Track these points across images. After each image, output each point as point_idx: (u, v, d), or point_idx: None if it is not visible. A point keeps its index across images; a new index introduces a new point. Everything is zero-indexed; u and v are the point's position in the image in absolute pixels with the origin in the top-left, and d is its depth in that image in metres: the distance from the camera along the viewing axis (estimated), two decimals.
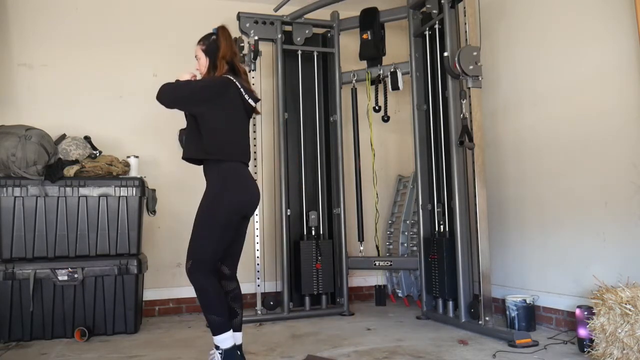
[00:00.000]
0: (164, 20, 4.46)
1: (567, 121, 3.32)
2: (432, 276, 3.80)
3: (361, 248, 4.31)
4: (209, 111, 2.54)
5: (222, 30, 2.68)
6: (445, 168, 3.77)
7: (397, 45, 4.66)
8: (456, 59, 3.31)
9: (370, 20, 4.23)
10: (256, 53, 4.00)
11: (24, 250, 3.44)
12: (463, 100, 3.44)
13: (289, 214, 4.12)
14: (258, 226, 3.97)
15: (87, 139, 3.83)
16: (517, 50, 3.75)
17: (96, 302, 3.49)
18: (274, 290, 4.32)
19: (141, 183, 3.66)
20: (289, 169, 4.19)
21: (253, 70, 4.00)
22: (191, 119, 2.60)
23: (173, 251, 4.21)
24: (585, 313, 2.78)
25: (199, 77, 2.72)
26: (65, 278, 3.45)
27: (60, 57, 4.19)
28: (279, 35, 4.16)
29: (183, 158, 2.65)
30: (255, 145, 4.05)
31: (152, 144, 4.27)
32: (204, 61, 2.68)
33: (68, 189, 3.51)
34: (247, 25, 4.08)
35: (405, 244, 4.53)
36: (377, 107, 4.27)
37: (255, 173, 3.94)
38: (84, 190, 3.54)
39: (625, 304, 2.44)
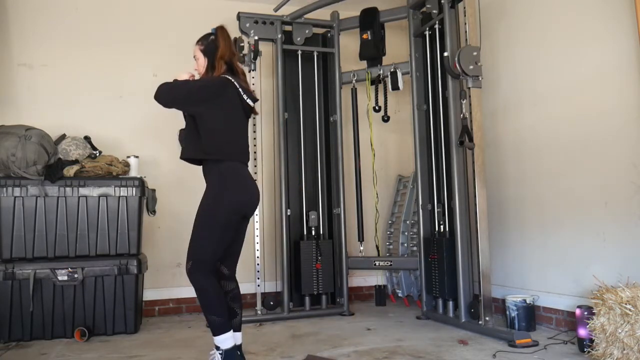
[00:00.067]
0: (164, 20, 4.47)
1: (567, 121, 3.32)
2: (432, 276, 3.80)
3: (361, 248, 4.31)
4: (207, 111, 2.54)
5: (220, 30, 2.68)
6: (445, 168, 3.77)
7: (397, 45, 4.66)
8: (456, 59, 3.31)
9: (370, 20, 4.23)
10: (256, 53, 4.00)
11: (24, 250, 3.44)
12: (463, 100, 3.44)
13: (289, 214, 4.12)
14: (258, 226, 3.97)
15: (87, 139, 3.83)
16: (517, 50, 3.75)
17: (96, 302, 3.49)
18: (274, 290, 4.32)
19: (141, 183, 3.66)
20: (289, 169, 4.19)
21: (253, 70, 4.00)
22: (189, 119, 2.60)
23: (173, 251, 4.21)
24: (585, 313, 2.78)
25: (197, 77, 2.72)
26: (65, 278, 3.45)
27: (60, 57, 4.19)
28: (279, 35, 4.16)
29: (181, 158, 2.65)
30: (255, 145, 4.05)
31: (152, 144, 4.27)
32: (203, 61, 2.68)
33: (68, 189, 3.51)
34: (247, 25, 4.08)
35: (405, 244, 4.53)
36: (377, 107, 4.27)
37: (255, 173, 3.95)
38: (84, 190, 3.54)
39: (625, 304, 2.44)
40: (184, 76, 2.67)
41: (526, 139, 3.66)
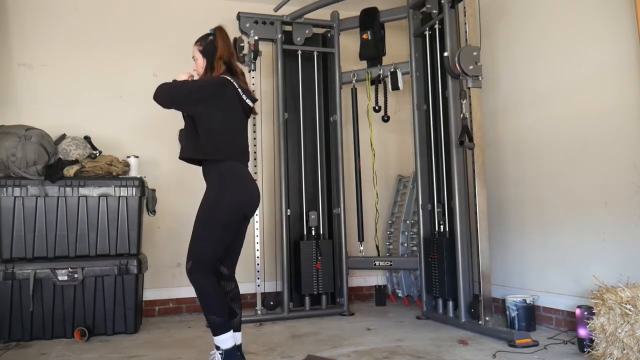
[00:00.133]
0: (164, 20, 4.47)
1: (567, 121, 3.32)
2: (432, 276, 3.80)
3: (361, 248, 4.31)
4: (206, 111, 2.54)
5: (219, 30, 2.68)
6: (445, 168, 3.77)
7: (397, 45, 4.66)
8: (456, 59, 3.31)
9: (370, 20, 4.23)
10: (256, 53, 4.00)
11: (24, 250, 3.44)
12: (463, 100, 3.44)
13: (289, 214, 4.12)
14: (258, 226, 3.97)
15: (87, 139, 3.83)
16: (517, 50, 3.75)
17: (96, 302, 3.49)
18: (274, 290, 4.32)
19: (141, 183, 3.66)
20: (289, 169, 4.19)
21: (253, 70, 4.00)
22: (188, 120, 2.60)
23: (173, 251, 4.21)
24: (585, 313, 2.78)
25: (196, 77, 2.72)
26: (65, 278, 3.45)
27: (60, 57, 4.19)
28: (279, 35, 4.16)
29: (180, 158, 2.65)
30: (255, 145, 4.05)
31: (152, 144, 4.27)
32: (202, 62, 2.68)
33: (68, 189, 3.51)
34: (247, 25, 4.08)
35: (405, 244, 4.53)
36: (377, 107, 4.27)
37: (255, 173, 3.95)
38: (84, 190, 3.54)
39: (625, 304, 2.44)
40: (182, 76, 2.67)
41: (526, 139, 3.66)
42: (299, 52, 4.27)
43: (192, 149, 2.59)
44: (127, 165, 3.79)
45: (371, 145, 4.32)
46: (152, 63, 4.31)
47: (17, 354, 3.09)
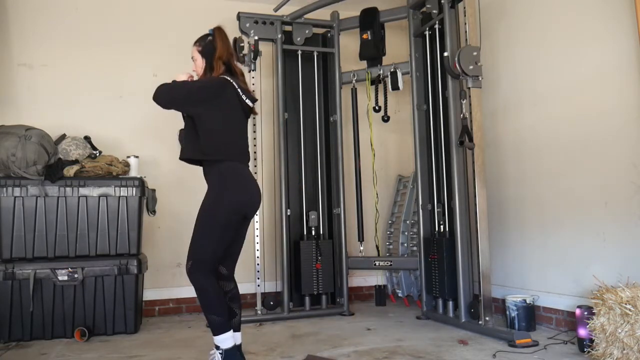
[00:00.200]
0: (164, 20, 4.47)
1: (567, 121, 3.32)
2: (432, 276, 3.80)
3: (361, 248, 4.31)
4: (205, 112, 2.54)
5: (218, 31, 2.68)
6: (445, 168, 3.77)
7: (397, 45, 4.66)
8: (456, 59, 3.31)
9: (370, 20, 4.23)
10: (256, 53, 4.00)
11: (24, 250, 3.44)
12: (463, 100, 3.44)
13: (289, 214, 4.12)
14: (258, 226, 3.97)
15: (87, 139, 3.83)
16: (517, 50, 3.75)
17: (96, 302, 3.49)
18: (274, 290, 4.32)
19: (141, 183, 3.66)
20: (289, 169, 4.19)
21: (253, 70, 4.00)
22: (188, 120, 2.60)
23: (173, 251, 4.21)
24: (585, 313, 2.78)
25: (195, 78, 2.72)
26: (65, 278, 3.45)
27: (60, 57, 4.19)
28: (279, 35, 4.16)
29: (180, 158, 2.65)
30: (255, 145, 4.05)
31: (152, 144, 4.27)
32: (201, 62, 2.68)
33: (68, 189, 3.51)
34: (247, 25, 4.08)
35: (405, 244, 4.53)
36: (377, 107, 4.27)
37: (255, 173, 3.94)
38: (84, 190, 3.54)
39: (625, 304, 2.44)
40: (182, 77, 2.67)
41: (526, 139, 3.66)
42: (299, 52, 4.27)
43: (192, 149, 2.59)
44: (127, 165, 3.79)
45: (371, 145, 4.32)
46: (152, 63, 4.31)
47: (17, 354, 3.09)
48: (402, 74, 4.09)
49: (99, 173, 3.62)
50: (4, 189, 3.42)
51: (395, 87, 4.10)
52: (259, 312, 3.91)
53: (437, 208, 3.84)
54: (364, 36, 4.22)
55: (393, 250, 4.67)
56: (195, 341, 3.32)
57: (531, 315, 3.38)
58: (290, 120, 4.25)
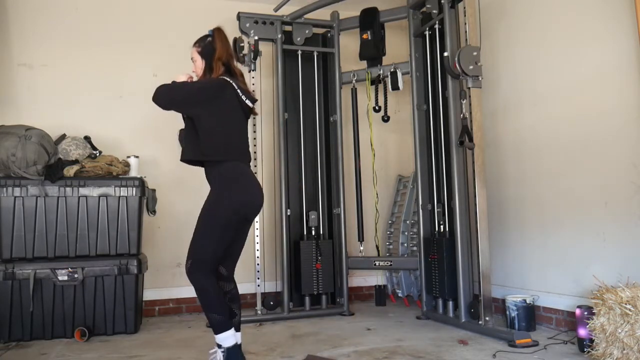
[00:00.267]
0: (164, 20, 4.46)
1: (567, 121, 3.32)
2: (432, 276, 3.80)
3: (361, 248, 4.31)
4: (205, 113, 2.54)
5: (217, 31, 2.68)
6: (445, 168, 3.77)
7: (397, 45, 4.66)
8: (456, 59, 3.31)
9: (370, 20, 4.23)
10: (256, 53, 4.00)
11: (24, 250, 3.44)
12: (463, 100, 3.44)
13: (289, 214, 4.12)
14: (258, 226, 3.97)
15: (87, 139, 3.83)
16: (517, 50, 3.75)
17: (96, 302, 3.49)
18: (274, 290, 4.32)
19: (141, 183, 3.66)
20: (289, 169, 4.19)
21: (253, 70, 4.00)
22: (188, 121, 2.60)
23: (173, 251, 4.20)
24: (585, 313, 2.78)
25: (195, 79, 2.72)
26: (65, 278, 3.45)
27: (60, 57, 4.19)
28: (279, 35, 4.16)
29: (182, 160, 2.65)
30: (255, 145, 4.05)
31: (152, 144, 4.27)
32: (200, 63, 2.68)
33: (68, 189, 3.51)
34: (247, 25, 4.08)
35: (405, 244, 4.53)
36: (377, 107, 4.27)
37: (256, 173, 3.93)
38: (84, 190, 3.54)
39: (625, 304, 2.44)
40: (181, 78, 2.67)
41: (526, 139, 3.66)
42: (299, 52, 4.27)
43: (192, 150, 2.59)
44: (127, 165, 3.79)
45: (371, 145, 4.32)
46: (152, 63, 4.31)
47: (17, 354, 3.09)
48: (402, 74, 4.09)
49: (99, 173, 3.62)
50: (4, 189, 3.42)
51: (395, 87, 4.10)
52: (259, 312, 3.91)
53: (437, 208, 3.84)
54: (364, 36, 4.22)
55: (393, 250, 4.67)
56: (195, 341, 3.32)
57: (531, 315, 3.38)
58: (290, 120, 4.25)
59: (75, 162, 3.60)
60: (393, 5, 4.26)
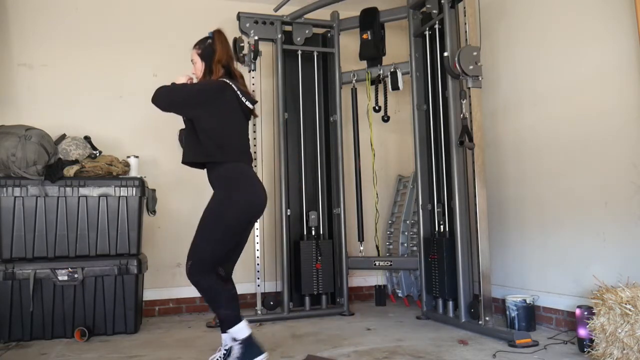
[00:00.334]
0: (164, 20, 4.46)
1: (567, 121, 3.32)
2: (432, 276, 3.80)
3: (361, 248, 4.31)
4: (205, 115, 2.54)
5: (217, 34, 2.69)
6: (445, 168, 3.77)
7: (397, 45, 4.66)
8: (456, 59, 3.31)
9: (370, 20, 4.23)
10: (256, 53, 4.00)
11: (24, 250, 3.44)
12: (463, 100, 3.44)
13: (289, 214, 4.12)
14: (258, 226, 3.97)
15: (87, 139, 3.83)
16: (517, 50, 3.75)
17: (96, 302, 3.49)
18: (274, 290, 4.32)
19: (141, 183, 3.66)
20: (289, 169, 4.19)
21: (253, 70, 4.00)
22: (189, 123, 2.61)
23: (173, 251, 4.21)
24: (585, 313, 2.78)
25: (195, 80, 2.72)
26: (65, 278, 3.45)
27: (60, 57, 4.19)
28: (279, 35, 4.16)
29: (183, 162, 2.65)
30: (255, 146, 4.05)
31: (152, 144, 4.27)
32: (200, 65, 2.69)
33: (68, 189, 3.51)
34: (247, 25, 4.08)
35: (405, 244, 4.53)
36: (377, 107, 4.27)
37: (255, 173, 3.94)
38: (84, 190, 3.54)
39: (625, 304, 2.44)
40: (181, 79, 2.67)
41: (526, 139, 3.66)
42: (299, 52, 4.27)
43: (193, 152, 2.59)
44: (127, 165, 3.79)
45: (371, 145, 4.32)
46: (152, 63, 4.31)
47: (17, 354, 3.09)
48: (402, 74, 4.09)
49: (99, 173, 3.62)
50: (4, 189, 3.42)
51: (395, 87, 4.10)
52: (259, 312, 3.91)
53: (437, 208, 3.84)
54: (364, 36, 4.22)
55: (393, 250, 4.67)
56: (195, 341, 3.32)
57: (531, 315, 3.38)
58: (290, 120, 4.25)
59: (75, 162, 3.60)
60: (393, 5, 4.26)
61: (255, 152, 4.02)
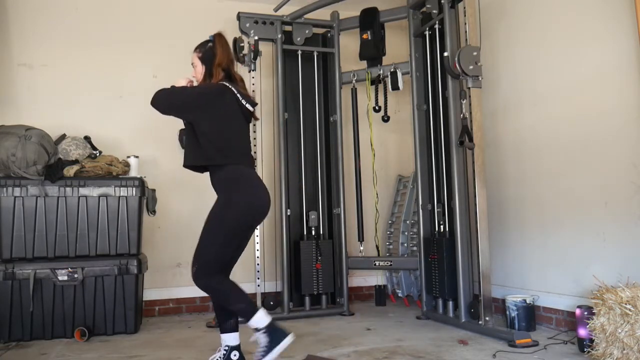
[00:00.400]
0: (164, 20, 4.46)
1: (567, 121, 3.32)
2: (432, 276, 3.80)
3: (361, 248, 4.31)
4: (204, 118, 2.54)
5: (218, 37, 2.69)
6: (445, 168, 3.77)
7: (397, 45, 4.66)
8: (456, 59, 3.31)
9: (370, 20, 4.23)
10: (256, 53, 4.00)
11: (24, 250, 3.44)
12: (463, 100, 3.43)
13: (289, 214, 4.12)
14: (258, 226, 3.96)
15: (87, 139, 3.83)
16: (517, 50, 3.75)
17: (96, 302, 3.49)
18: (274, 290, 4.32)
19: (141, 183, 3.66)
20: (289, 169, 4.19)
21: (253, 70, 4.00)
22: (189, 126, 2.60)
23: (173, 251, 4.21)
24: (585, 313, 2.78)
25: (195, 83, 2.72)
26: (65, 278, 3.45)
27: (60, 57, 4.19)
28: (279, 35, 4.16)
29: (184, 166, 2.66)
30: (255, 145, 4.05)
31: (152, 144, 4.27)
32: (200, 68, 2.68)
33: (68, 189, 3.51)
34: (247, 25, 4.08)
35: (405, 244, 4.53)
36: (377, 107, 4.27)
37: (258, 175, 3.94)
38: (84, 190, 3.54)
39: (625, 304, 2.44)
40: (181, 82, 2.67)
41: (526, 139, 3.66)
42: (299, 52, 4.27)
43: (193, 155, 2.59)
44: (127, 165, 3.79)
45: (371, 145, 4.32)
46: (152, 63, 4.31)
47: (17, 354, 3.09)
48: (402, 74, 4.09)
49: (99, 173, 3.62)
50: (4, 189, 3.42)
51: (395, 87, 4.10)
52: None
53: (437, 208, 3.84)
54: (364, 36, 4.22)
55: (393, 250, 4.67)
56: (195, 341, 3.32)
57: (531, 315, 3.38)
58: (290, 120, 4.25)
59: (75, 162, 3.60)
60: (393, 5, 4.26)
61: (255, 152, 4.02)
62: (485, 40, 3.84)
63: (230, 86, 2.59)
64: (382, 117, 4.28)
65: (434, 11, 3.83)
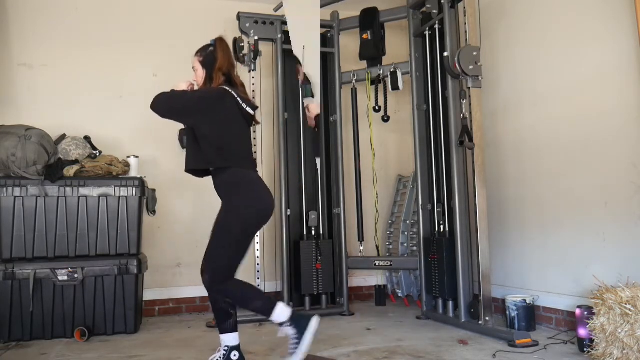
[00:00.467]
0: (164, 20, 4.46)
1: (567, 121, 3.32)
2: (432, 276, 3.80)
3: (361, 248, 4.31)
4: (205, 122, 2.54)
5: (219, 42, 2.69)
6: (445, 168, 3.77)
7: (397, 45, 4.66)
8: (456, 59, 3.31)
9: (370, 20, 4.23)
10: (256, 53, 4.00)
11: (24, 250, 3.44)
12: (463, 100, 3.43)
13: (289, 214, 4.12)
14: None
15: (87, 139, 3.83)
16: (517, 50, 3.75)
17: (96, 302, 3.49)
18: (274, 290, 4.32)
19: (141, 183, 3.66)
20: (289, 169, 4.19)
21: (253, 70, 4.00)
22: (189, 131, 2.61)
23: (173, 251, 4.21)
24: (585, 313, 2.78)
25: (196, 87, 2.72)
26: (65, 278, 3.45)
27: (60, 57, 4.19)
28: (279, 35, 4.16)
29: (186, 170, 2.66)
30: (255, 146, 4.05)
31: (152, 144, 4.27)
32: (201, 72, 2.69)
33: (68, 189, 3.51)
34: (247, 25, 4.08)
35: (405, 244, 4.53)
36: (377, 107, 4.27)
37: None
38: (84, 190, 3.54)
39: (625, 304, 2.44)
40: (182, 86, 2.67)
41: (526, 139, 3.66)
42: None
43: (194, 159, 2.59)
44: (127, 165, 3.79)
45: (371, 145, 4.32)
46: (152, 63, 4.31)
47: (17, 354, 3.09)
48: (402, 74, 4.09)
49: (99, 173, 3.62)
50: (4, 189, 3.42)
51: (395, 87, 4.10)
52: None
53: (437, 208, 3.84)
54: (364, 36, 4.22)
55: (393, 250, 4.67)
56: (195, 341, 3.32)
57: (531, 315, 3.38)
58: (290, 120, 4.25)
59: (75, 162, 3.60)
60: (393, 5, 4.26)
61: (255, 152, 4.02)
62: (485, 40, 3.83)
63: (230, 90, 2.60)
64: (382, 117, 4.28)
65: (434, 11, 3.83)
